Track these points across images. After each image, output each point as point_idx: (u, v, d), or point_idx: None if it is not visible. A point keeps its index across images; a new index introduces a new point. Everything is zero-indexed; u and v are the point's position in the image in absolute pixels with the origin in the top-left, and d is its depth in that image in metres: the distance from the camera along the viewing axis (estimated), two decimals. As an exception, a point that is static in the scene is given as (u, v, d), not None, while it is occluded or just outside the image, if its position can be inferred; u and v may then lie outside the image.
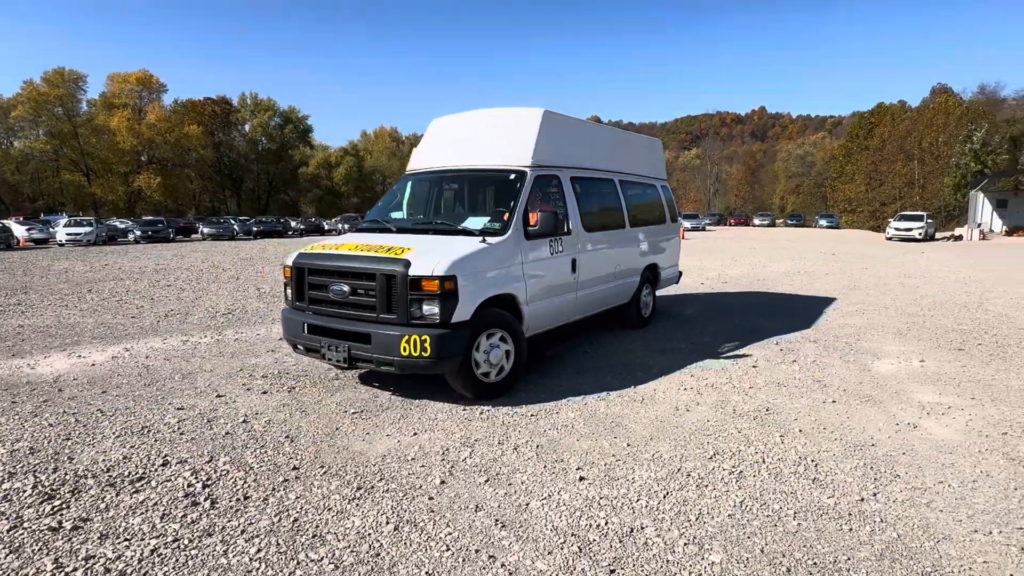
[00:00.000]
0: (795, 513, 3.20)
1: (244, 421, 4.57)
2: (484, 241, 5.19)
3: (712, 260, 19.36)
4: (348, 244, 5.42)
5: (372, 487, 3.50)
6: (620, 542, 2.93)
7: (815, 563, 2.76)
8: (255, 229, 42.95)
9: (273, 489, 3.46)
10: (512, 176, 5.88)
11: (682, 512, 3.22)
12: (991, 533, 3.00)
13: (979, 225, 38.19)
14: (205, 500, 3.32)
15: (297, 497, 3.37)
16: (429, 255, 4.80)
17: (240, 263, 18.87)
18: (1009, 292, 11.64)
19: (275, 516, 3.15)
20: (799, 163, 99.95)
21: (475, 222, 5.71)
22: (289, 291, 5.56)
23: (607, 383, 5.58)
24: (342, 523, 3.09)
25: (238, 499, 3.34)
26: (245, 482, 3.54)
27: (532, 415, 4.72)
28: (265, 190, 77.04)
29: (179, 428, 4.41)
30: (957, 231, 40.44)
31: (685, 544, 2.91)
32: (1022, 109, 57.76)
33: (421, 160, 6.78)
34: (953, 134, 48.91)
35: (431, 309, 4.67)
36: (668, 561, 2.77)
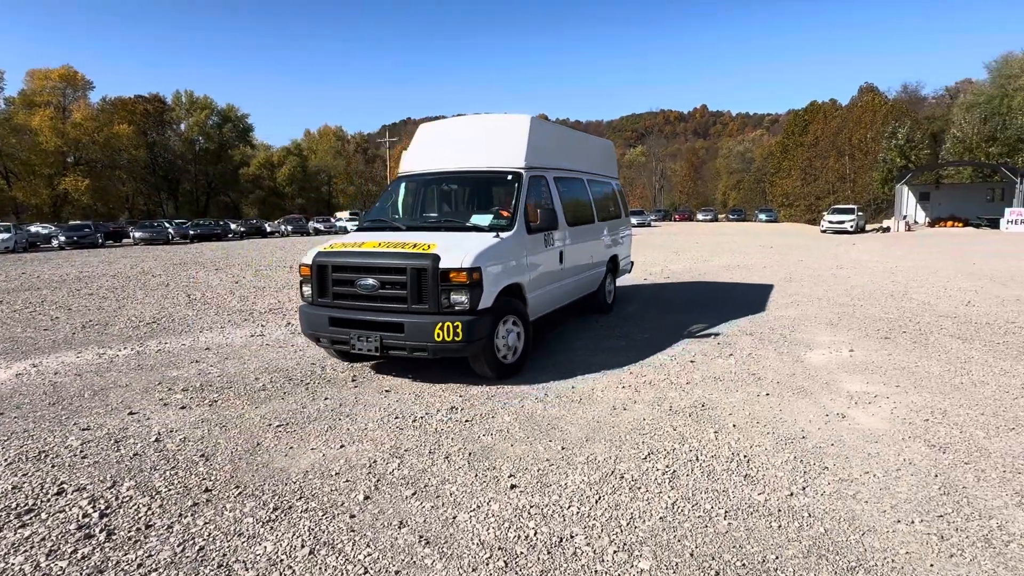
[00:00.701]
0: (726, 512, 3.16)
1: (156, 440, 4.25)
2: (497, 236, 5.68)
3: (656, 255, 19.66)
4: (369, 242, 5.69)
5: (290, 507, 3.28)
6: (548, 553, 2.81)
7: (744, 564, 2.71)
8: (192, 232, 41.13)
9: (180, 515, 3.19)
10: (510, 177, 6.42)
11: (614, 517, 3.13)
12: (913, 523, 3.04)
13: (905, 217, 40.27)
14: (101, 532, 3.03)
15: (206, 523, 3.12)
16: (453, 250, 5.24)
17: (172, 268, 17.99)
18: (930, 281, 12.22)
19: (178, 546, 2.90)
20: (739, 159, 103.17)
21: (482, 219, 6.18)
22: (307, 288, 5.79)
23: (546, 384, 5.48)
24: (253, 549, 2.87)
25: (139, 529, 3.06)
26: (149, 509, 3.26)
27: (467, 421, 4.57)
28: (204, 192, 74.06)
29: (82, 451, 4.06)
30: (885, 223, 42.54)
31: (615, 552, 2.82)
32: (941, 107, 61.13)
33: (415, 163, 7.14)
34: (880, 131, 51.45)
35: (460, 298, 5.13)
36: (597, 572, 2.67)
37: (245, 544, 2.92)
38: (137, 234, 37.61)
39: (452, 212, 7.05)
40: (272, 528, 3.06)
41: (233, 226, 47.64)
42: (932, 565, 2.68)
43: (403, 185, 7.16)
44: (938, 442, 4.04)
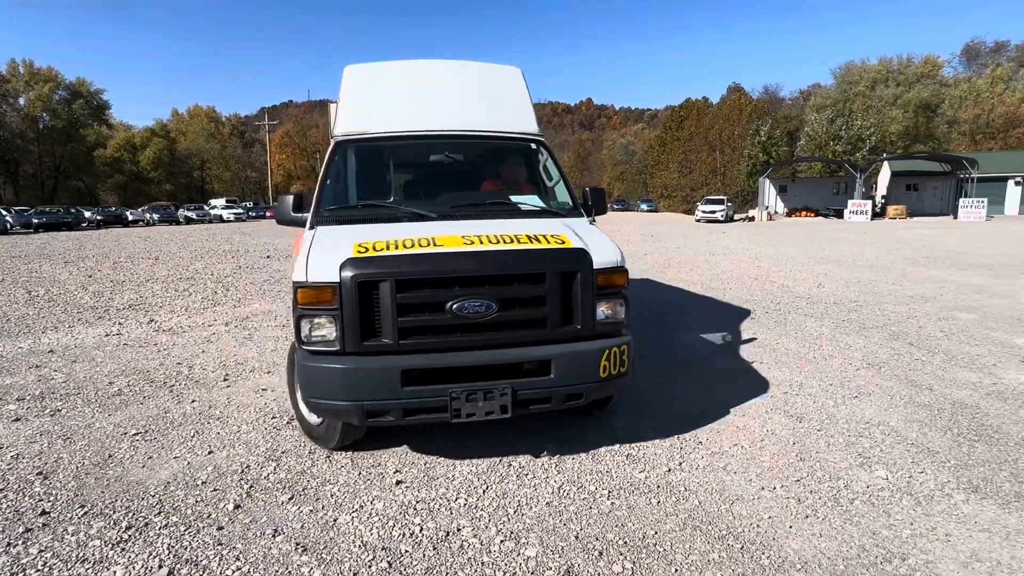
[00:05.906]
0: (609, 493, 3.25)
1: (-19, 460, 3.68)
2: (592, 222, 4.33)
3: (546, 244, 20.07)
4: (448, 236, 3.53)
5: (147, 524, 2.95)
6: (434, 549, 2.74)
7: (625, 541, 2.79)
8: (36, 221, 36.34)
9: (8, 545, 2.77)
10: (534, 145, 4.90)
11: (501, 506, 3.11)
12: (775, 489, 3.28)
13: (767, 207, 44.09)
14: (-99, 573, 2.56)
15: (41, 551, 2.73)
16: (587, 241, 3.70)
17: (9, 261, 15.81)
18: (788, 265, 13.44)
19: (4, 581, 2.51)
20: (623, 152, 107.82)
21: (531, 199, 4.56)
22: (326, 327, 3.28)
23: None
24: (99, 576, 2.55)
25: (-48, 565, 2.62)
26: (-32, 540, 2.80)
27: (351, 417, 4.36)
28: (51, 175, 65.81)
29: None
30: (751, 213, 46.38)
31: (502, 541, 2.80)
32: (796, 108, 67.63)
33: (368, 123, 4.71)
34: (745, 128, 55.88)
35: (617, 311, 3.59)
36: (483, 563, 2.64)
37: (90, 571, 2.58)
38: (-36, 224, 32.65)
39: (454, 191, 4.72)
40: (124, 550, 2.73)
41: (88, 214, 42.76)
42: (791, 527, 2.91)
43: (354, 154, 4.78)
44: (795, 412, 4.41)
